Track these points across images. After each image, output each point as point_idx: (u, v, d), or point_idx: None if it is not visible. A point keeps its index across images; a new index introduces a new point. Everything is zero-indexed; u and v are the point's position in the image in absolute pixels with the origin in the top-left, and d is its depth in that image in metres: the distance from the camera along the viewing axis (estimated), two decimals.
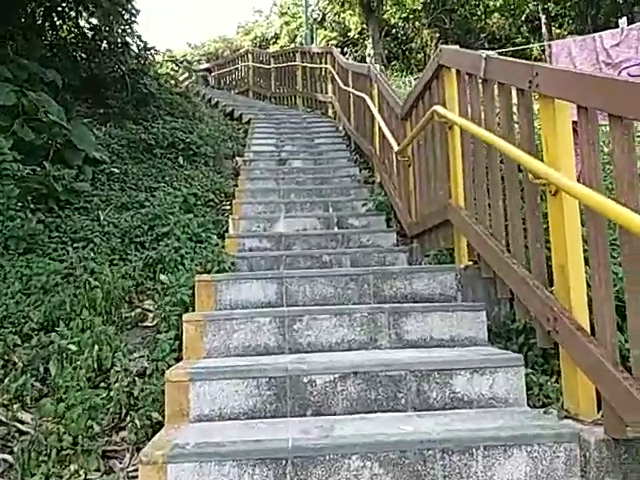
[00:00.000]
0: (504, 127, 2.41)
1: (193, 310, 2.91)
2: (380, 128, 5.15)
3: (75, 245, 4.01)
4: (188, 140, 6.70)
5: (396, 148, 4.27)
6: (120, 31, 7.85)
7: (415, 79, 12.40)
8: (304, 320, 2.52)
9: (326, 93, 9.92)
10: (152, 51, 9.55)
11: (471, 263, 2.97)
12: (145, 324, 3.38)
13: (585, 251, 1.96)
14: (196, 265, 3.70)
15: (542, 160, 2.07)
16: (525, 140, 2.21)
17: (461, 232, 3.01)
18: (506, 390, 2.12)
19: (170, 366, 2.48)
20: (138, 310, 3.55)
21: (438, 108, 3.16)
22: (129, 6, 7.40)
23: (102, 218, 4.36)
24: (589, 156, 1.78)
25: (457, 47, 3.20)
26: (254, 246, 4.44)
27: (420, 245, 3.97)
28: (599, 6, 14.10)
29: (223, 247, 4.33)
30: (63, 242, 4.07)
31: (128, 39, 9.03)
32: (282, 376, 2.09)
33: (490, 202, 2.65)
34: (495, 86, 2.51)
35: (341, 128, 8.36)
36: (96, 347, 2.59)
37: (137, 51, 8.63)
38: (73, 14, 7.90)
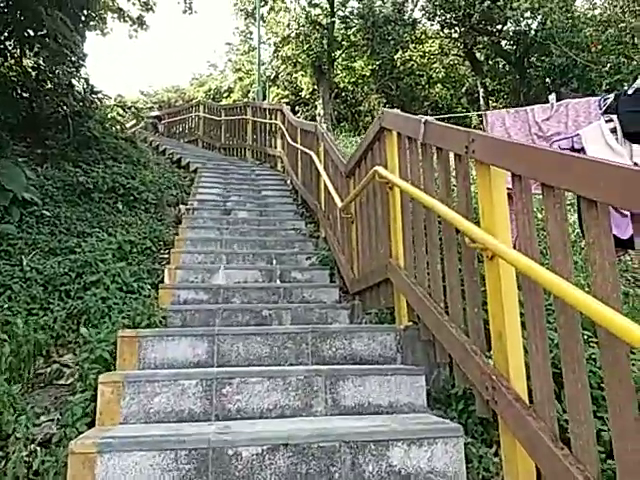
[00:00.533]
0: (442, 191, 2.43)
1: (114, 369, 2.66)
2: (325, 184, 5.19)
3: None
4: (129, 185, 6.49)
5: (340, 205, 4.28)
6: (65, 73, 7.68)
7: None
8: (234, 383, 2.34)
9: (275, 147, 10.05)
10: (99, 95, 9.44)
11: (411, 324, 2.92)
12: (60, 382, 3.08)
13: (523, 316, 1.95)
14: (123, 318, 3.46)
15: (479, 225, 2.09)
16: (463, 205, 2.23)
17: (401, 292, 2.97)
18: (445, 463, 2.02)
19: (80, 433, 2.21)
20: (55, 366, 3.24)
21: (379, 169, 3.20)
22: (77, 49, 7.27)
23: (25, 263, 4.04)
24: (524, 224, 1.80)
25: (398, 111, 3.29)
26: (190, 298, 4.23)
27: (362, 302, 3.91)
28: (530, 85, 15.35)
29: (156, 299, 4.11)
30: None
31: (74, 81, 8.89)
32: (204, 447, 1.89)
33: (429, 263, 2.64)
34: (434, 150, 2.56)
35: (289, 182, 8.42)
36: None
37: (82, 94, 8.47)
38: (17, 52, 7.70)
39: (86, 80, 9.52)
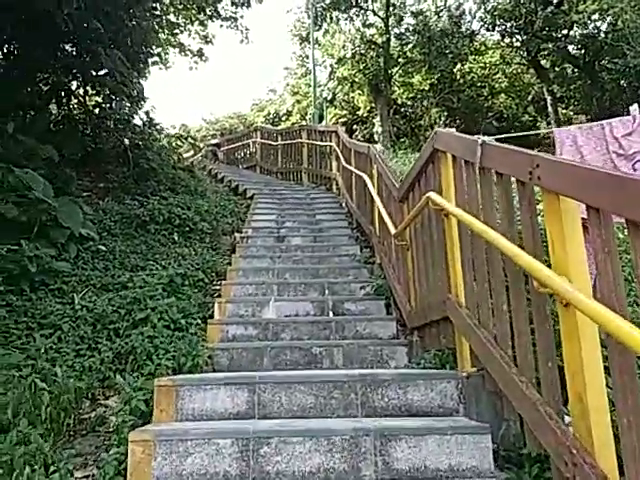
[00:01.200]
0: (504, 222, 2.11)
1: (150, 421, 2.51)
2: (378, 209, 4.92)
3: (42, 332, 3.69)
4: (184, 216, 6.53)
5: (393, 231, 4.00)
6: (124, 108, 7.98)
7: None
8: (273, 443, 2.10)
9: (331, 169, 9.91)
10: (157, 127, 9.74)
11: (474, 370, 2.57)
12: (103, 429, 2.98)
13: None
14: (168, 359, 3.34)
15: (549, 264, 1.75)
16: (529, 240, 1.90)
17: (462, 333, 2.64)
18: None
19: None
20: (100, 410, 3.16)
21: (433, 195, 2.90)
22: (135, 85, 7.51)
23: (76, 302, 4.06)
24: (605, 266, 1.46)
25: (453, 131, 2.99)
26: (239, 334, 4.08)
27: (420, 339, 3.59)
28: (603, 89, 14.35)
29: (204, 335, 3.99)
30: (30, 328, 3.75)
31: (135, 116, 9.23)
32: None
33: (493, 303, 2.30)
34: (493, 175, 2.24)
35: (344, 204, 8.21)
36: (27, 469, 2.19)
37: (141, 127, 8.75)
38: (81, 92, 8.09)
39: (146, 113, 9.87)
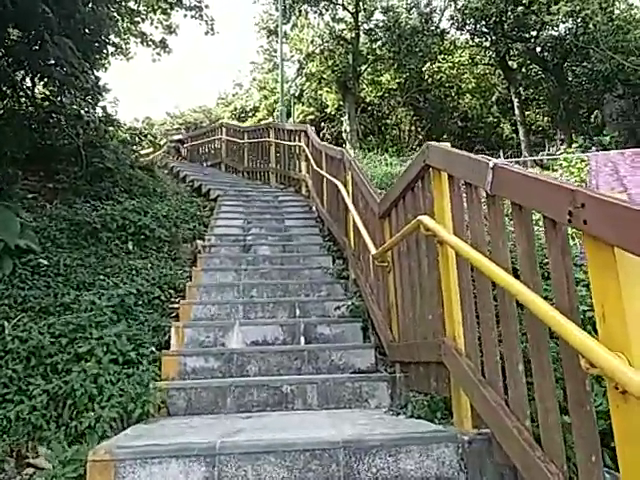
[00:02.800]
0: (525, 267, 1.71)
1: None
2: (354, 221, 4.51)
3: None
4: (140, 222, 5.95)
5: (373, 251, 3.58)
6: (75, 102, 7.29)
7: (395, 159, 12.14)
8: None
9: (300, 171, 9.44)
10: (114, 123, 9.05)
11: (476, 432, 2.18)
12: None
13: None
14: (113, 407, 2.83)
15: (593, 332, 1.36)
16: (561, 296, 1.51)
17: (461, 385, 2.25)
18: None
19: None
20: (29, 470, 2.63)
21: (426, 220, 2.50)
22: (87, 77, 6.83)
23: (7, 332, 3.48)
24: None
25: (448, 145, 2.60)
26: (198, 367, 3.59)
27: (405, 376, 3.20)
28: (570, 92, 14.39)
29: (158, 371, 3.48)
30: None
31: (91, 110, 8.52)
32: None
33: (504, 358, 1.91)
34: (508, 207, 1.85)
35: (314, 208, 7.78)
36: None
37: (96, 123, 8.07)
38: (28, 83, 7.35)
39: (103, 108, 9.16)
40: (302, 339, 4.05)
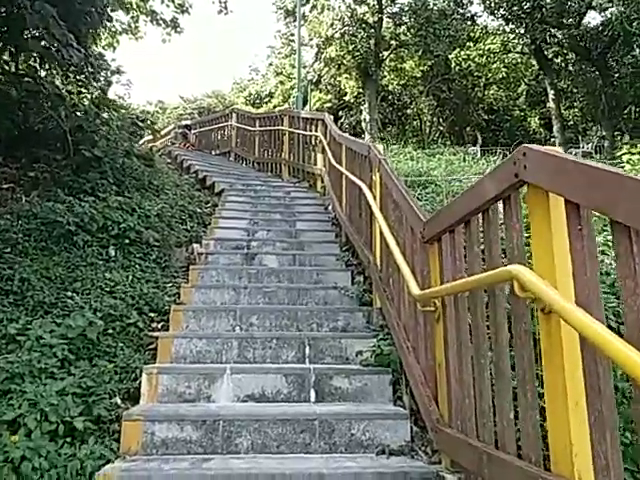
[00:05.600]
0: None
1: None
2: (383, 235, 3.51)
3: None
4: (125, 224, 5.00)
5: (415, 291, 2.57)
6: (62, 81, 6.36)
7: (420, 152, 11.00)
8: None
9: (315, 164, 8.43)
10: (113, 104, 8.11)
11: None
12: None
13: None
14: None
15: None
16: None
17: None
18: None
19: None
20: None
21: (523, 274, 1.50)
22: (73, 51, 5.86)
23: None
24: None
25: (559, 151, 1.59)
26: (170, 438, 2.65)
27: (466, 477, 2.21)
28: (614, 85, 13.09)
29: (116, 443, 2.54)
30: None
31: (85, 91, 7.60)
32: None
33: None
34: None
35: (330, 209, 6.78)
36: None
37: (87, 104, 7.13)
38: (6, 57, 6.42)
39: (101, 89, 8.22)
40: (312, 394, 3.09)
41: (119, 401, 2.98)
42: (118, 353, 3.36)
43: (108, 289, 4.09)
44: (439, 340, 2.52)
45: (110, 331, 3.55)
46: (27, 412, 2.41)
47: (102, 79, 8.65)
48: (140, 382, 3.09)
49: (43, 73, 6.39)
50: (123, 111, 8.65)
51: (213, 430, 2.66)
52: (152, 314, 3.98)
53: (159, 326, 3.90)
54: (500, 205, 1.89)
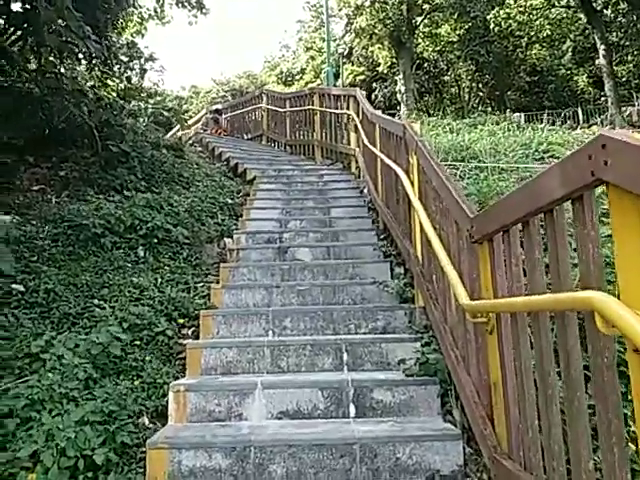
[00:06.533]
0: None
1: None
2: (423, 228, 3.15)
3: None
4: (152, 223, 4.82)
5: (465, 300, 2.23)
6: (82, 75, 6.20)
7: (459, 122, 10.32)
8: None
9: (348, 144, 8.02)
10: (142, 95, 7.97)
11: None
12: None
13: None
14: None
15: None
16: None
17: None
18: None
19: None
20: None
21: (609, 306, 1.13)
22: (90, 43, 5.65)
23: None
24: None
25: None
26: (198, 467, 2.44)
27: None
28: None
29: (141, 472, 2.36)
30: None
31: (112, 83, 7.46)
32: None
33: None
34: None
35: (366, 192, 6.41)
36: None
37: (113, 98, 6.98)
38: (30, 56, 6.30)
39: (127, 79, 8.08)
40: (352, 408, 2.82)
41: (147, 421, 2.81)
42: (146, 367, 3.18)
43: (135, 295, 3.92)
44: (493, 355, 2.17)
45: (137, 342, 3.38)
46: (44, 446, 2.25)
47: (137, 67, 8.49)
48: (167, 401, 2.90)
49: (62, 69, 6.24)
50: (156, 99, 8.47)
51: (244, 458, 2.44)
52: (182, 320, 3.79)
53: (189, 332, 3.72)
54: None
